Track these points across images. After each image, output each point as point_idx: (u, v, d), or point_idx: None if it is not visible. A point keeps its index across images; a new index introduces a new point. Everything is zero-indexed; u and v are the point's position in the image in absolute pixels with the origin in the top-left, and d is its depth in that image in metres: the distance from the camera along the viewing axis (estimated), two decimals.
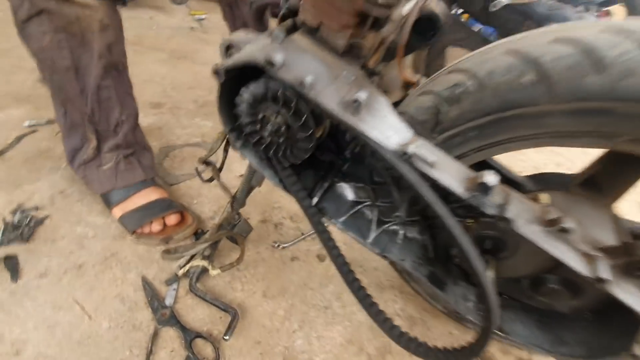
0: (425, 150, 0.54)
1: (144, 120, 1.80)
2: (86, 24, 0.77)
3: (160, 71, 2.23)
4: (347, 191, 0.72)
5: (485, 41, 1.15)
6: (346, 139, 0.75)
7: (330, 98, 0.52)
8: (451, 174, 0.48)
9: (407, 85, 0.97)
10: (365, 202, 0.71)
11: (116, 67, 0.88)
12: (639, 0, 2.10)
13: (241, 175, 1.49)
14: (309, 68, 0.53)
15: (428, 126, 0.68)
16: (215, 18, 3.11)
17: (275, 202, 1.40)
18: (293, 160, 0.62)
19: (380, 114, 0.53)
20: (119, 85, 0.89)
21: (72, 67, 0.81)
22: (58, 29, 0.77)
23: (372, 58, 0.61)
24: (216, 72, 0.57)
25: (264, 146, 0.62)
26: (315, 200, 0.69)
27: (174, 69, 2.28)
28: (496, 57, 0.60)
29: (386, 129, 0.51)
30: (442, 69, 0.73)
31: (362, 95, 0.53)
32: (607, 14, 2.45)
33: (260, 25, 0.85)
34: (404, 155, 0.55)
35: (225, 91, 0.59)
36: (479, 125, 0.61)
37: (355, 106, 0.54)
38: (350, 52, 0.57)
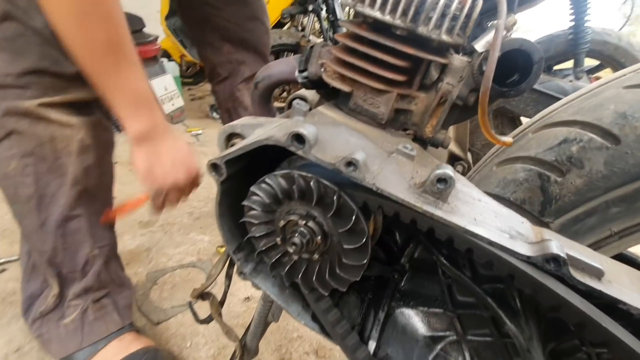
0: (575, 252, 0.34)
1: (130, 243, 1.60)
2: (63, 146, 0.68)
3: None
4: (416, 321, 0.55)
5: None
6: (397, 240, 0.62)
7: (394, 183, 0.40)
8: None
9: (455, 160, 0.82)
10: (449, 336, 0.54)
11: (92, 193, 0.76)
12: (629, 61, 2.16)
13: (248, 299, 1.19)
14: (352, 144, 0.44)
15: (535, 208, 0.49)
16: (212, 133, 3.21)
17: (294, 330, 1.12)
18: (337, 285, 0.49)
19: (472, 199, 0.43)
20: (92, 214, 0.76)
21: (35, 195, 0.70)
22: (26, 152, 0.68)
23: (428, 124, 0.52)
24: (214, 166, 0.46)
25: (288, 268, 0.50)
26: (372, 345, 0.54)
27: None
28: (623, 95, 0.42)
29: (490, 219, 0.39)
30: (523, 129, 0.56)
31: (446, 174, 0.38)
32: (598, 79, 2.54)
33: (266, 112, 0.74)
34: (548, 264, 0.33)
35: (228, 194, 0.49)
36: (625, 196, 0.41)
37: (438, 191, 0.39)
38: (397, 121, 0.52)
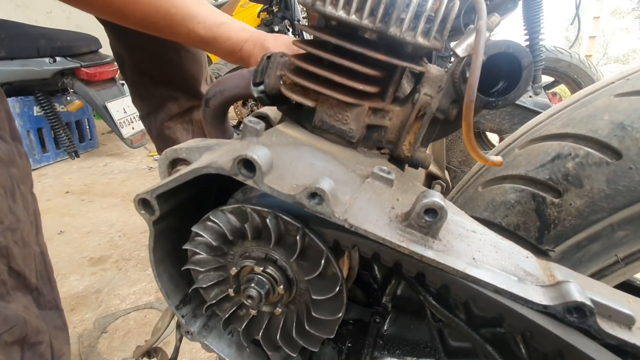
0: (598, 295, 0.32)
1: (77, 285, 1.42)
2: None
3: (109, 218, 2.00)
4: None
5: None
6: (377, 275, 0.54)
7: (371, 216, 0.34)
8: None
9: (432, 179, 0.77)
10: None
11: None
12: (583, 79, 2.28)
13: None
14: (317, 168, 0.39)
15: (531, 235, 0.43)
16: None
17: None
18: (306, 343, 0.41)
19: (465, 230, 0.36)
20: None
21: None
22: None
23: (405, 142, 0.47)
24: (143, 202, 0.39)
25: (246, 323, 0.44)
26: None
27: (126, 213, 2.07)
28: (616, 104, 0.38)
29: (491, 257, 0.33)
30: (507, 144, 0.50)
31: (435, 203, 0.32)
32: (554, 94, 2.67)
33: (221, 133, 0.68)
34: (570, 314, 0.26)
35: (166, 236, 0.43)
36: (632, 218, 0.37)
37: (426, 225, 0.33)
38: (370, 139, 0.48)
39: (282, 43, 0.74)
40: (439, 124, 0.46)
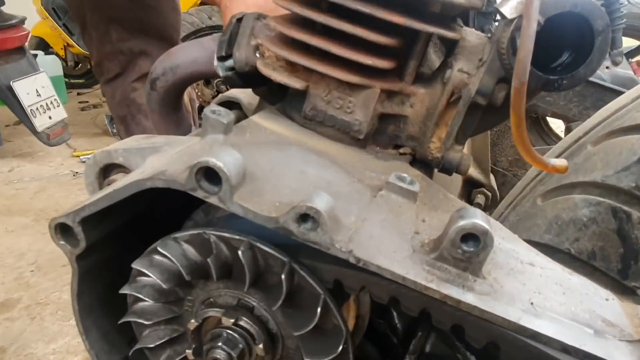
0: None
1: None
2: None
3: (17, 245, 2.01)
4: None
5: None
6: (397, 325, 0.56)
7: (386, 246, 0.36)
8: None
9: (472, 186, 0.78)
10: None
11: None
12: None
13: None
14: (310, 178, 0.41)
15: (612, 266, 0.45)
16: None
17: None
18: None
19: (519, 262, 0.38)
20: None
21: None
22: None
23: (433, 137, 0.49)
24: (61, 228, 0.40)
25: None
26: None
27: (41, 238, 2.07)
28: None
29: (556, 301, 0.35)
30: (575, 139, 0.52)
31: (477, 226, 0.33)
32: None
33: (172, 125, 0.70)
34: None
35: (96, 275, 0.45)
36: None
37: (465, 257, 0.34)
38: (383, 133, 0.50)
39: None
40: (480, 112, 0.47)
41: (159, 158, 0.45)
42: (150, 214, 0.48)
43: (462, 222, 0.32)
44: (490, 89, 0.44)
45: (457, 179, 0.71)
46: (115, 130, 3.37)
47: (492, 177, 0.76)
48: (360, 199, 0.39)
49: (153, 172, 0.36)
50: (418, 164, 0.51)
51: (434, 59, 0.51)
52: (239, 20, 0.53)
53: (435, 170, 0.53)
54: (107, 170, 0.50)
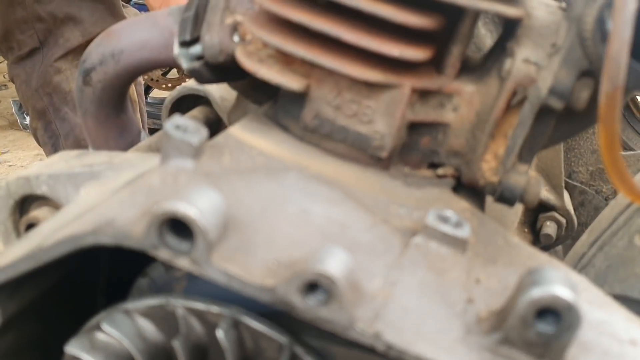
0: None
1: None
2: None
3: None
4: None
5: None
6: None
7: (428, 326, 0.37)
8: None
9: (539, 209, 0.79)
10: None
11: None
12: None
13: None
14: (316, 220, 0.43)
15: None
16: (25, 155, 3.20)
17: None
18: None
19: (618, 344, 0.39)
20: None
21: None
22: None
23: (486, 153, 0.51)
24: None
25: None
26: None
27: None
28: None
29: None
30: None
31: (557, 300, 0.33)
32: None
33: (115, 132, 0.71)
34: None
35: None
36: None
37: (541, 340, 0.35)
38: (415, 148, 0.53)
39: None
40: (553, 118, 0.48)
41: (100, 191, 0.47)
42: (91, 266, 0.50)
43: (536, 292, 0.32)
44: (568, 87, 0.45)
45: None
46: (27, 122, 3.39)
47: (566, 195, 0.77)
48: (387, 251, 0.40)
49: (95, 221, 0.37)
50: (464, 191, 0.52)
51: (484, 33, 0.52)
52: None
53: (486, 195, 0.55)
54: (26, 203, 0.53)
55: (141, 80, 1.68)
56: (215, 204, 0.36)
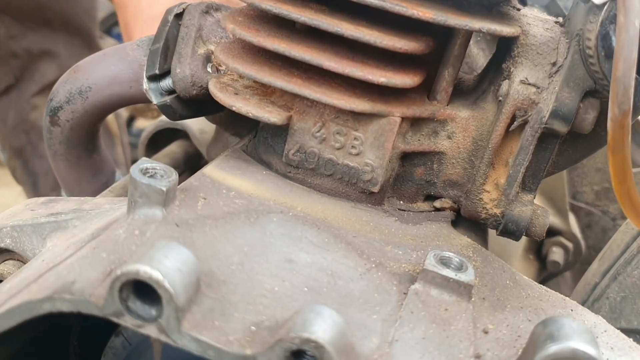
0: None
1: None
2: None
3: None
4: None
5: None
6: None
7: None
8: None
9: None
10: None
11: None
12: None
13: None
14: (301, 272, 0.41)
15: None
16: (5, 192, 3.15)
17: None
18: None
19: None
20: None
21: None
22: None
23: (487, 184, 0.51)
24: None
25: None
26: None
27: None
28: None
29: None
30: None
31: (579, 355, 0.32)
32: None
33: (86, 173, 0.70)
34: None
35: None
36: None
37: None
38: (409, 180, 0.53)
39: None
40: (557, 142, 0.47)
41: (66, 243, 0.45)
42: (61, 325, 0.49)
43: (553, 348, 0.30)
44: (572, 109, 0.44)
45: None
46: (4, 159, 3.40)
47: (571, 217, 0.77)
48: (383, 302, 0.38)
49: (52, 285, 0.34)
50: (464, 224, 0.51)
51: (476, 52, 0.51)
52: (178, 16, 0.53)
53: (488, 229, 0.53)
54: None
55: (122, 111, 1.68)
56: (185, 264, 0.33)
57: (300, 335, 0.30)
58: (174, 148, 0.78)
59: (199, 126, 0.70)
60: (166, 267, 0.31)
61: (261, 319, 0.35)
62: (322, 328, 0.31)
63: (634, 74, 0.35)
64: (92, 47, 1.40)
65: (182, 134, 0.77)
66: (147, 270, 0.32)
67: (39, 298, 0.35)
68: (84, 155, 0.63)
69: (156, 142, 0.83)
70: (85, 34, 1.39)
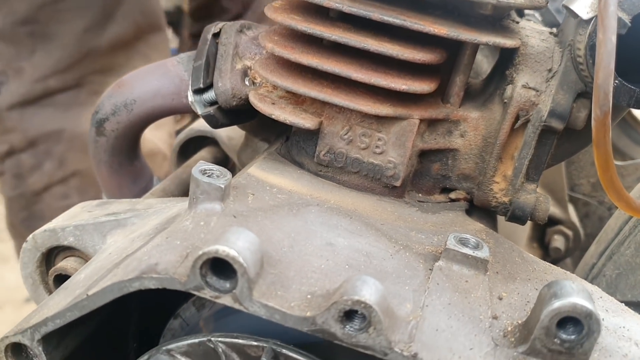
0: None
1: None
2: None
3: None
4: None
5: None
6: None
7: (459, 343, 0.39)
8: None
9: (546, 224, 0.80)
10: None
11: None
12: None
13: None
14: (342, 252, 0.45)
15: None
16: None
17: None
18: None
19: (636, 348, 0.41)
20: None
21: None
22: None
23: (496, 175, 0.53)
24: (13, 350, 0.44)
25: None
26: None
27: None
28: None
29: None
30: None
31: (577, 307, 0.35)
32: None
33: (128, 179, 0.73)
34: None
35: None
36: None
37: (566, 349, 0.37)
38: (426, 175, 0.55)
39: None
40: (555, 138, 0.50)
41: (128, 238, 0.49)
42: (122, 314, 0.51)
43: (557, 304, 0.34)
44: (567, 109, 0.48)
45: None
46: None
47: (570, 208, 0.79)
48: (413, 276, 0.41)
49: (138, 267, 0.39)
50: (477, 212, 0.54)
51: (480, 59, 0.54)
52: (216, 35, 0.57)
53: (496, 215, 0.57)
54: (51, 255, 0.53)
55: None
56: (252, 244, 0.37)
57: (352, 298, 0.34)
58: (204, 154, 0.81)
59: (227, 133, 0.73)
60: (239, 246, 0.36)
61: (314, 289, 0.38)
62: (369, 292, 0.35)
63: (612, 81, 0.39)
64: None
65: (210, 141, 0.80)
66: (225, 249, 0.35)
67: (129, 278, 0.38)
68: (126, 162, 0.66)
69: (186, 150, 0.85)
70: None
